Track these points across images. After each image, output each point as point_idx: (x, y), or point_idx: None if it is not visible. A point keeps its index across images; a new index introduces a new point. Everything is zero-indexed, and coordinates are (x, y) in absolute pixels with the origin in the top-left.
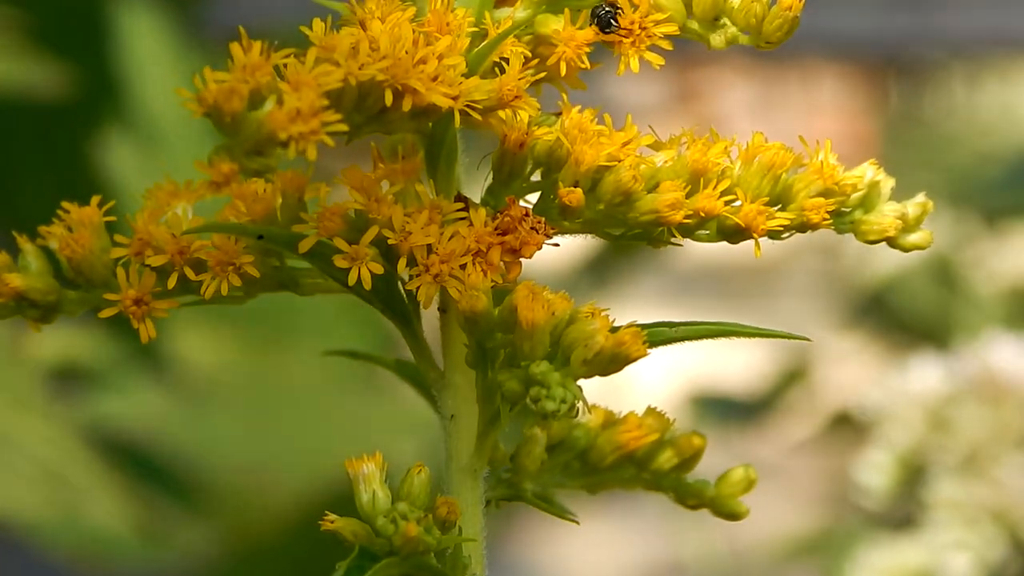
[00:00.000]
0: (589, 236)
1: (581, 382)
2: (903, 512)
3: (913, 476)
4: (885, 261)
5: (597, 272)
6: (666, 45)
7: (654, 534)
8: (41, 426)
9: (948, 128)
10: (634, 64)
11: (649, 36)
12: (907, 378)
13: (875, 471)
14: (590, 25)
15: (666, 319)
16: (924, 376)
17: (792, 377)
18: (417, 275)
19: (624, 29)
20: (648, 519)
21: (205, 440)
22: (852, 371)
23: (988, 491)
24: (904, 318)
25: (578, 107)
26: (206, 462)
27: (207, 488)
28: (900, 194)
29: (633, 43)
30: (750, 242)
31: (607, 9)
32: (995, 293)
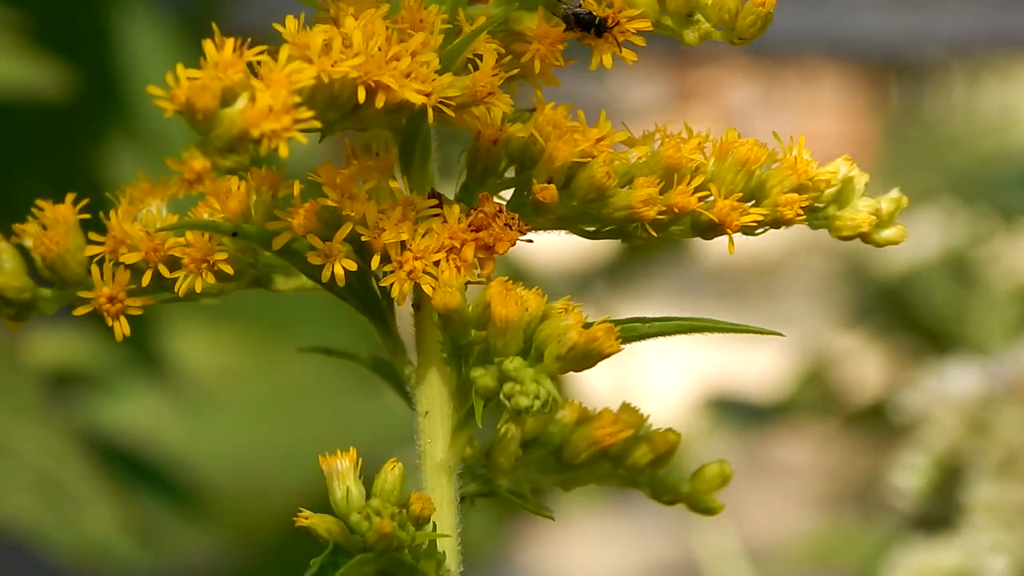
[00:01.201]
0: (563, 232)
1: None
2: (938, 514)
3: (949, 478)
4: (898, 257)
5: (610, 274)
6: (639, 41)
7: (655, 535)
8: (37, 432)
9: (948, 128)
10: (607, 60)
11: (622, 32)
12: (943, 380)
13: (911, 473)
14: (575, 28)
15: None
16: (960, 379)
17: (809, 380)
18: (391, 272)
19: (617, 27)
20: (652, 520)
21: (203, 443)
22: (867, 369)
23: None
24: (918, 315)
25: (551, 103)
26: (204, 465)
27: (206, 491)
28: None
29: (606, 40)
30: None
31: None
32: (1010, 290)
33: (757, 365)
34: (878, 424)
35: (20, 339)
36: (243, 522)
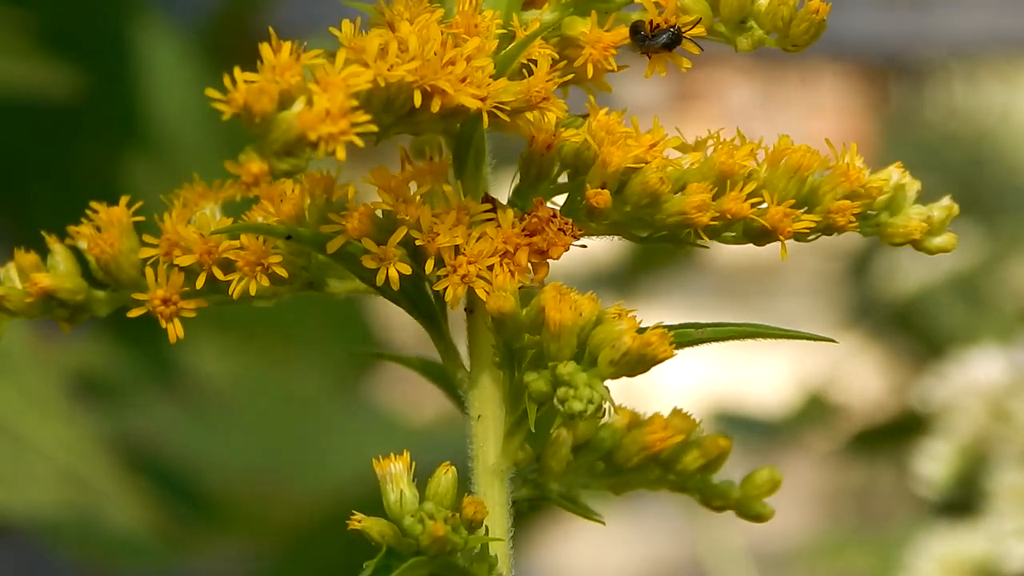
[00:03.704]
0: (614, 238)
1: (607, 383)
2: (962, 501)
3: (974, 466)
4: (908, 277)
5: (615, 279)
6: (694, 49)
7: (660, 535)
8: (61, 429)
9: (948, 128)
10: (661, 68)
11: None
12: (968, 369)
13: (936, 461)
14: (654, 50)
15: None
16: (986, 367)
17: (817, 397)
18: (445, 276)
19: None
20: (656, 520)
21: (215, 451)
22: (867, 378)
23: None
24: (924, 331)
25: (605, 109)
26: (216, 472)
27: (219, 497)
28: None
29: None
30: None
31: (673, 31)
32: (1018, 309)
33: (766, 369)
34: (882, 438)
35: (44, 341)
36: (254, 529)
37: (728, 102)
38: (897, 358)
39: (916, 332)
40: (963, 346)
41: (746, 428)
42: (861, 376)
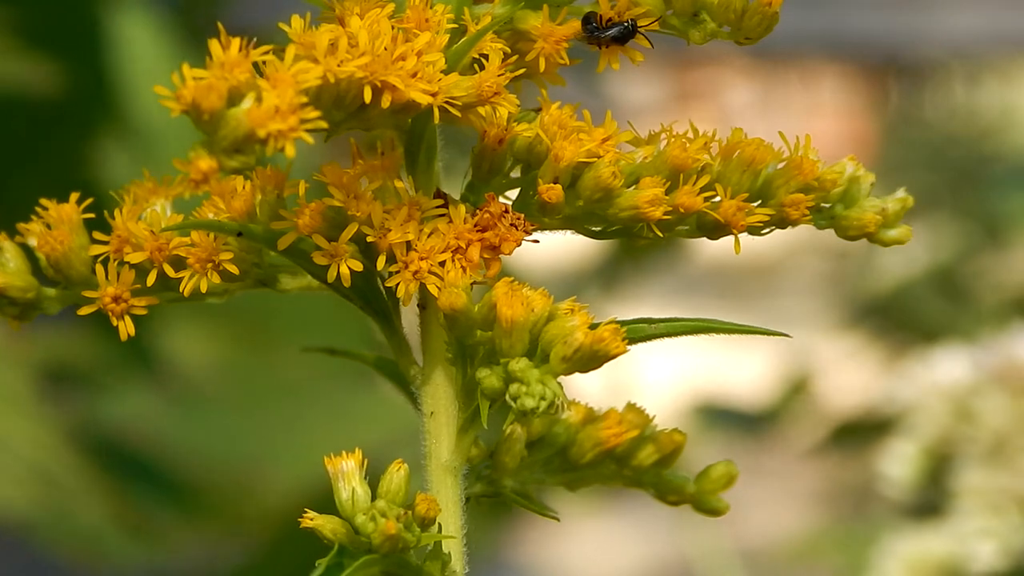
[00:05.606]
0: (570, 233)
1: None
2: (927, 502)
3: (939, 466)
4: (890, 270)
5: (604, 275)
6: (644, 42)
7: (652, 535)
8: (31, 427)
9: (948, 128)
10: (614, 61)
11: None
12: (932, 370)
13: (901, 462)
14: (605, 43)
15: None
16: (949, 367)
17: (797, 387)
18: (396, 272)
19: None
20: (651, 519)
21: (198, 439)
22: (855, 375)
23: (1013, 480)
24: (908, 326)
25: (557, 103)
26: (199, 461)
27: (200, 487)
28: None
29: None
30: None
31: (625, 24)
32: (998, 302)
33: (749, 365)
34: (866, 433)
35: (15, 334)
36: (237, 518)
37: (728, 102)
38: (899, 356)
39: (916, 329)
40: (961, 341)
41: (729, 420)
42: (859, 374)
